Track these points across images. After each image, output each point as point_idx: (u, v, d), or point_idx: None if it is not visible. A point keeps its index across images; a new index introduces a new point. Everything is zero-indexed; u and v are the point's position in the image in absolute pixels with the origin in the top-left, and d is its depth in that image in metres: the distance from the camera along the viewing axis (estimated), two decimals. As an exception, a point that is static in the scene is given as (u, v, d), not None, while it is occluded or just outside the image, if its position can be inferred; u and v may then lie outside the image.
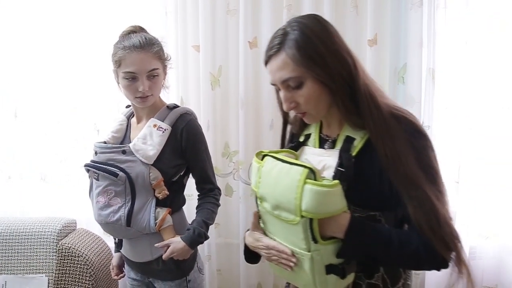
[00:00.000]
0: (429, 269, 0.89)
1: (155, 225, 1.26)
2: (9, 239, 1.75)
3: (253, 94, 1.89)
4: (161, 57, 1.28)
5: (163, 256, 1.27)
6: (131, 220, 1.25)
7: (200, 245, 1.40)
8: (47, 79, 1.95)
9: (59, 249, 1.70)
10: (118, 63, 1.26)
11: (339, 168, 0.87)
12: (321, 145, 0.98)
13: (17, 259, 1.74)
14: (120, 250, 1.42)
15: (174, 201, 1.34)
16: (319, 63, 0.85)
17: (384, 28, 1.82)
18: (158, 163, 1.26)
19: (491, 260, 2.06)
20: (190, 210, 1.52)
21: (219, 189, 1.42)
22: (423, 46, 1.82)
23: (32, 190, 2.03)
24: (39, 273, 1.72)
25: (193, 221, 1.35)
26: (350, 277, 0.89)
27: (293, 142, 1.04)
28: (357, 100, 0.87)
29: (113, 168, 1.25)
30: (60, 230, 1.75)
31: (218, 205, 1.41)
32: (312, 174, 0.80)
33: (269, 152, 0.93)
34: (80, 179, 1.99)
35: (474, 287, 0.89)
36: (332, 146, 0.95)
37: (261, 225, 0.97)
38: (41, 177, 2.04)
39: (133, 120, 1.39)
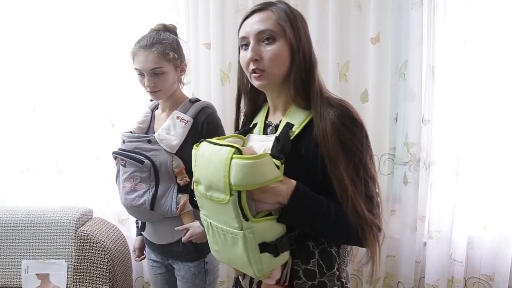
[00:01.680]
0: (354, 244, 0.95)
1: (177, 210, 1.36)
2: (30, 227, 1.83)
3: (260, 90, 1.98)
4: (165, 56, 1.33)
5: (183, 239, 1.36)
6: (154, 204, 1.34)
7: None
8: (64, 74, 2.03)
9: (77, 236, 1.79)
10: (132, 59, 1.37)
11: (276, 143, 0.92)
12: (265, 131, 1.04)
13: (38, 245, 1.82)
14: (142, 233, 1.51)
15: None
16: (295, 30, 0.94)
17: (386, 27, 1.90)
18: (180, 152, 1.35)
19: (489, 249, 2.14)
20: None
21: None
22: (423, 44, 1.90)
23: (49, 181, 2.11)
24: (59, 258, 1.81)
25: None
26: (283, 257, 0.91)
27: (239, 129, 1.10)
28: (309, 81, 0.95)
29: (139, 156, 1.34)
30: (78, 218, 1.84)
31: None
32: (239, 152, 0.84)
33: (215, 139, 0.96)
34: (95, 171, 2.08)
35: (375, 272, 0.96)
36: (274, 131, 1.01)
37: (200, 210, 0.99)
38: (57, 169, 2.11)
39: (157, 112, 1.48)
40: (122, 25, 1.96)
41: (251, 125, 1.08)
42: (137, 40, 1.38)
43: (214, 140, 0.94)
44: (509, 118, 2.00)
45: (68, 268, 1.80)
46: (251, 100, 1.09)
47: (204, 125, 1.38)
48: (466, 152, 2.01)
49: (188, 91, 1.94)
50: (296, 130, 0.95)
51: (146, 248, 1.55)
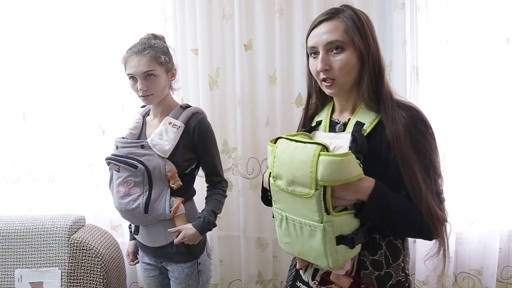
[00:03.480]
0: (422, 238, 0.99)
1: (170, 212, 1.39)
2: (23, 235, 1.84)
3: (249, 94, 2.01)
4: (157, 60, 1.38)
5: (175, 241, 1.40)
6: (148, 208, 1.37)
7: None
8: (53, 83, 2.04)
9: (70, 244, 1.80)
10: (124, 66, 1.41)
11: (353, 143, 0.96)
12: (331, 129, 1.07)
13: (31, 253, 1.83)
14: (136, 237, 1.53)
15: (186, 192, 1.47)
16: (364, 37, 0.97)
17: (370, 29, 1.94)
18: (172, 156, 1.39)
19: (477, 245, 2.18)
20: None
21: (226, 181, 1.55)
22: (407, 45, 1.94)
23: (41, 190, 2.12)
24: (52, 266, 1.81)
25: (203, 210, 1.48)
26: (357, 249, 0.96)
27: (306, 127, 1.12)
28: (379, 85, 0.99)
29: (133, 161, 1.37)
30: (71, 225, 1.84)
31: (225, 196, 1.54)
32: (325, 149, 0.89)
33: (283, 136, 1.00)
34: (87, 178, 2.10)
35: (444, 264, 1.00)
36: (343, 129, 1.04)
37: (273, 205, 1.03)
38: (49, 177, 2.12)
39: (148, 118, 1.52)
40: (110, 33, 1.98)
41: (314, 123, 1.11)
42: (127, 48, 1.42)
43: (292, 137, 0.97)
44: (492, 115, 2.05)
45: (61, 275, 1.81)
46: (321, 100, 1.13)
47: (196, 130, 1.42)
48: (451, 150, 2.05)
49: (177, 97, 1.95)
50: (367, 129, 0.98)
51: (140, 252, 1.58)
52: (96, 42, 2.00)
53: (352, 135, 0.97)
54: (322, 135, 1.06)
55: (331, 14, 0.99)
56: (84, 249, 1.78)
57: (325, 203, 0.89)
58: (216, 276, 2.10)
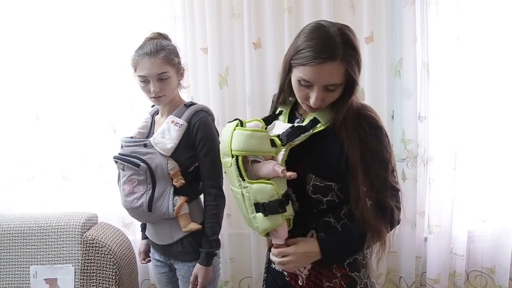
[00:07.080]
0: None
1: (173, 211, 1.40)
2: (37, 233, 1.88)
3: (258, 92, 2.01)
4: (171, 61, 1.39)
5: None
6: (152, 206, 1.39)
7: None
8: (65, 82, 2.07)
9: (83, 241, 1.83)
10: (134, 68, 1.41)
11: (289, 128, 1.05)
12: (292, 121, 1.14)
13: (45, 251, 1.87)
14: (146, 233, 1.55)
15: (191, 190, 1.46)
16: (357, 73, 0.99)
17: (379, 26, 1.93)
18: (175, 155, 1.40)
19: (489, 243, 2.16)
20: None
21: (218, 187, 1.46)
22: (417, 41, 1.92)
23: (54, 188, 2.15)
24: (66, 263, 1.85)
25: (202, 241, 1.45)
26: (276, 220, 1.02)
27: (267, 116, 1.19)
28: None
29: (136, 160, 1.39)
30: (84, 223, 1.88)
31: (219, 209, 1.46)
32: (241, 123, 1.04)
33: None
34: (99, 176, 2.12)
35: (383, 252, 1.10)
36: (301, 123, 1.10)
37: None
38: (62, 175, 2.16)
39: (157, 117, 1.53)
40: (120, 33, 1.99)
41: (277, 112, 1.18)
42: (136, 49, 1.42)
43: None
44: (504, 112, 2.02)
45: (75, 272, 1.84)
46: (289, 95, 1.14)
47: (195, 128, 1.41)
48: (463, 147, 2.03)
49: (187, 96, 1.97)
50: (321, 127, 1.05)
51: (151, 248, 1.61)
52: (106, 42, 2.01)
53: (292, 126, 1.06)
54: (281, 126, 1.12)
55: (334, 53, 0.95)
56: (96, 247, 1.81)
57: (239, 170, 1.02)
58: (226, 274, 2.12)
